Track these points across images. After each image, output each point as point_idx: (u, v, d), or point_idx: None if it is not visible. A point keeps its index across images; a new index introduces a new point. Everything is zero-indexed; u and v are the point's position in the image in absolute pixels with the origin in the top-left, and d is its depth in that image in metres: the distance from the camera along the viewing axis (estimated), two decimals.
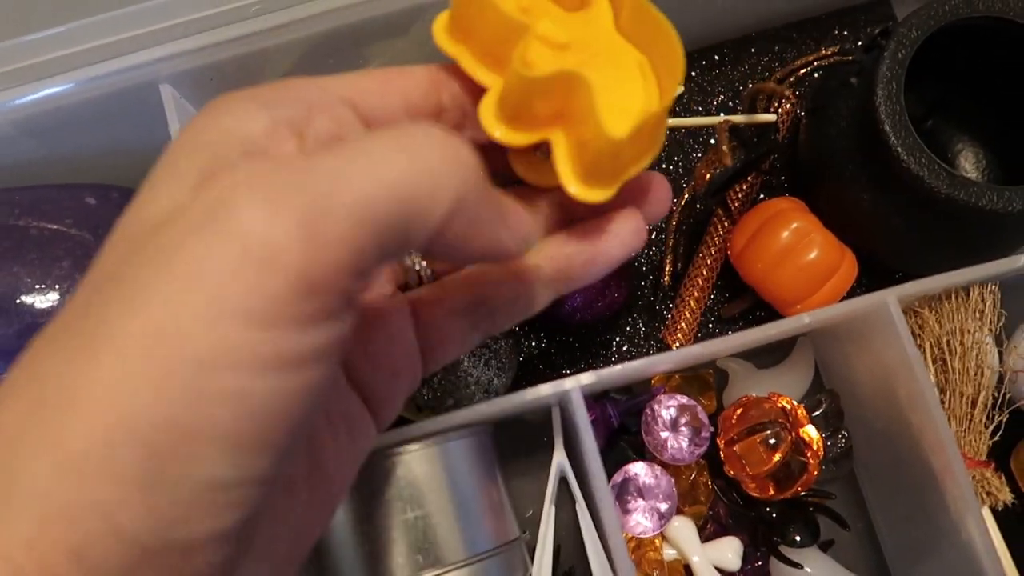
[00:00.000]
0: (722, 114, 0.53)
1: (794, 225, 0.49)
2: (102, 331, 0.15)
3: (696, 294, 0.53)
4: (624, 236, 0.24)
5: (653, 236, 0.56)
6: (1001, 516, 0.43)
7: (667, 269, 0.53)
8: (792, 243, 0.49)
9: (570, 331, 0.55)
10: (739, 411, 0.47)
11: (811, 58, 0.56)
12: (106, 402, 0.14)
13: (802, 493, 0.47)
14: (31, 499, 0.14)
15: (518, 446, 0.53)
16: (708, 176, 0.49)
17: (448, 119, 0.23)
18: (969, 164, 0.55)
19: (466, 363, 0.47)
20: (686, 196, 0.52)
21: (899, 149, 0.44)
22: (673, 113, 0.57)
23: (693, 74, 0.58)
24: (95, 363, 0.15)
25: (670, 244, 0.52)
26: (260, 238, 0.15)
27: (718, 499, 0.50)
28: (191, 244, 0.15)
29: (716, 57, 0.59)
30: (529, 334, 0.54)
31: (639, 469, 0.47)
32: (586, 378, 0.42)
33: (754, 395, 0.48)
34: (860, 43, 0.57)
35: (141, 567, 0.15)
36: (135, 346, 0.15)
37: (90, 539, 0.14)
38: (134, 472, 0.14)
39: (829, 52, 0.57)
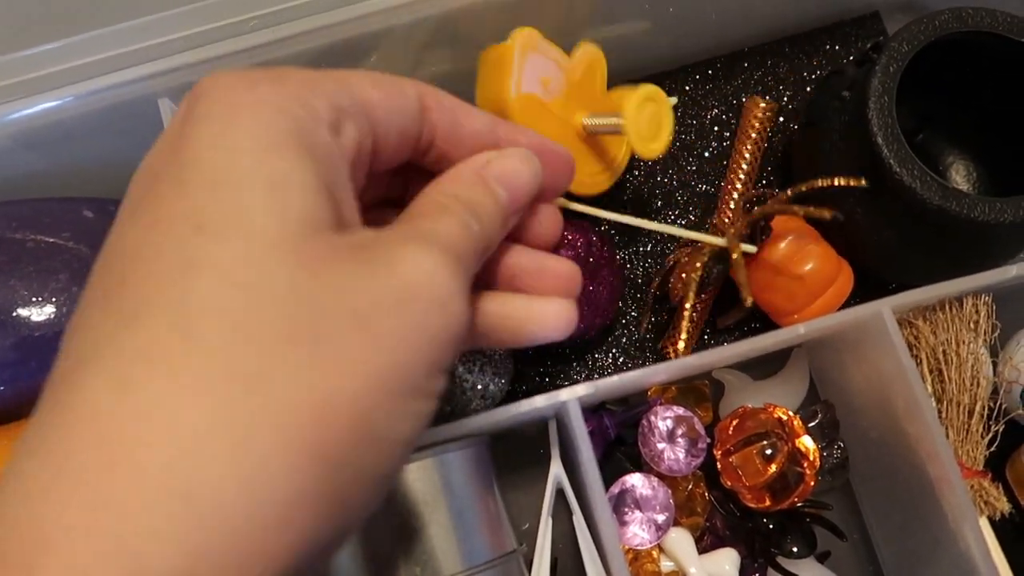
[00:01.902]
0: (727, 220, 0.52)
1: (792, 236, 0.50)
2: None
3: (698, 306, 0.54)
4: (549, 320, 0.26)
5: (650, 248, 0.56)
6: (999, 526, 0.43)
7: (644, 324, 0.53)
8: (790, 253, 0.49)
9: (564, 343, 0.55)
10: (735, 422, 0.47)
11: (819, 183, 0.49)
12: None
13: (799, 504, 0.47)
14: None
15: (515, 459, 0.53)
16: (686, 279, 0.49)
17: (425, 137, 0.25)
18: (960, 177, 0.56)
19: (461, 369, 0.48)
20: (670, 262, 0.51)
21: (892, 161, 0.44)
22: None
23: (687, 88, 0.59)
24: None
25: (649, 301, 0.52)
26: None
27: (715, 510, 0.50)
28: None
29: (709, 71, 0.59)
30: (526, 348, 0.55)
31: (636, 480, 0.47)
32: (582, 389, 0.42)
33: (750, 406, 0.48)
34: (852, 57, 0.58)
35: None
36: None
37: None
38: None
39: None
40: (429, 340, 0.19)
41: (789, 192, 0.47)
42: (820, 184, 0.46)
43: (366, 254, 0.19)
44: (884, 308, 0.42)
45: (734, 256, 0.46)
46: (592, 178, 0.48)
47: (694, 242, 0.52)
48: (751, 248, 0.47)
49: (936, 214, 0.44)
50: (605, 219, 0.46)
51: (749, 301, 0.44)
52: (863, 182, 0.45)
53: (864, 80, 0.46)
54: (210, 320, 0.16)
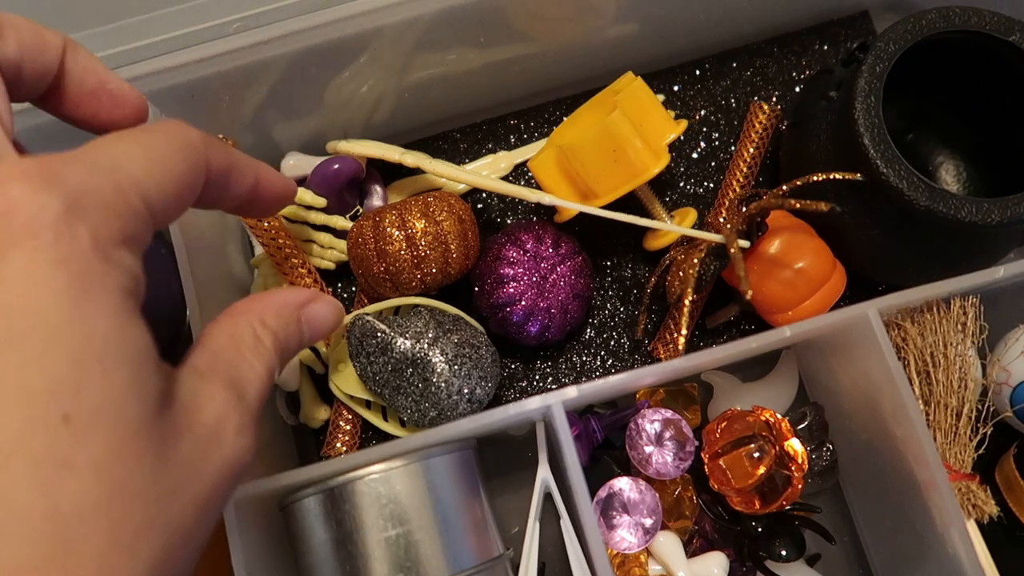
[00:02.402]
0: (723, 220, 0.51)
1: (787, 233, 0.50)
2: None
3: (689, 308, 0.53)
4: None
5: (641, 255, 0.56)
6: (987, 529, 0.43)
7: (639, 327, 0.53)
8: (786, 248, 0.49)
9: (551, 347, 0.55)
10: (723, 425, 0.47)
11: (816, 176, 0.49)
12: None
13: (787, 507, 0.47)
14: None
15: (503, 463, 0.53)
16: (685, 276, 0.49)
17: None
18: (950, 177, 0.56)
19: (448, 373, 0.47)
20: (665, 262, 0.51)
21: (879, 162, 0.44)
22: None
23: (676, 88, 0.59)
24: None
25: (646, 302, 0.52)
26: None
27: (704, 514, 0.49)
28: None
29: (697, 72, 0.59)
30: (514, 351, 0.54)
31: (624, 484, 0.47)
32: (569, 393, 0.42)
33: (738, 408, 0.47)
34: (839, 57, 0.58)
35: None
36: None
37: None
38: None
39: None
40: (224, 491, 0.21)
41: (785, 187, 0.47)
42: (816, 179, 0.46)
43: (194, 423, 0.20)
44: (871, 310, 0.41)
45: (732, 250, 0.46)
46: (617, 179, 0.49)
47: (688, 241, 0.51)
48: (746, 243, 0.48)
49: (923, 215, 0.43)
50: (608, 219, 0.47)
51: (749, 294, 0.44)
52: (859, 176, 0.44)
53: (851, 80, 0.46)
54: (83, 528, 0.17)
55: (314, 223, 0.54)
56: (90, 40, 0.46)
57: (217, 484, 0.21)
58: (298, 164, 0.55)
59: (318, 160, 0.55)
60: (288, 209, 0.53)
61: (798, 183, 0.47)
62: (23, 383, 0.16)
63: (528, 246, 0.51)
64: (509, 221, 0.57)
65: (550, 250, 0.51)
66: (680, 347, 0.51)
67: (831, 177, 0.46)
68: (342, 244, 0.54)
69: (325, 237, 0.54)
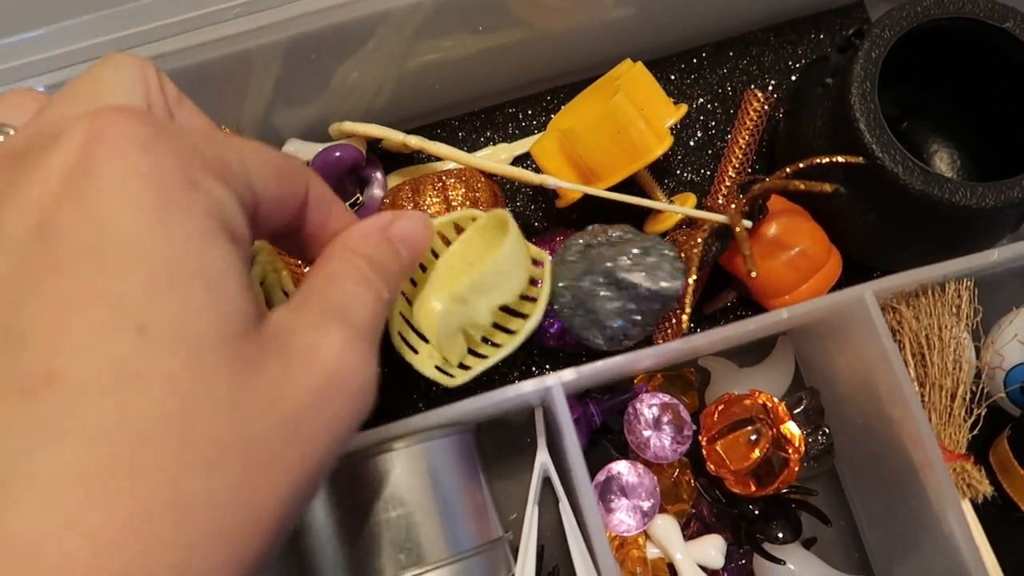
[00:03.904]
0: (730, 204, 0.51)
1: (785, 217, 0.50)
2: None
3: (692, 286, 0.54)
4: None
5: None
6: (982, 509, 0.43)
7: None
8: (782, 234, 0.49)
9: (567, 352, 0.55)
10: (720, 408, 0.47)
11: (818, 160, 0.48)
12: None
13: (784, 490, 0.47)
14: None
15: (503, 448, 0.53)
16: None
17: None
18: (944, 164, 0.56)
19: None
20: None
21: (874, 146, 0.44)
22: None
23: (672, 78, 0.59)
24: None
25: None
26: None
27: (701, 497, 0.50)
28: None
29: (695, 60, 0.59)
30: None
31: (622, 468, 0.47)
32: (567, 375, 0.42)
33: (735, 393, 0.48)
34: (836, 44, 0.58)
35: None
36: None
37: None
38: None
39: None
40: (347, 429, 0.20)
41: (788, 169, 0.47)
42: (820, 161, 0.46)
43: (286, 347, 0.19)
44: (867, 292, 0.42)
45: (737, 229, 0.46)
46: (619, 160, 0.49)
47: (689, 225, 0.52)
48: (748, 224, 0.48)
49: (918, 199, 0.44)
50: (612, 200, 0.47)
51: (755, 273, 0.45)
52: (861, 159, 0.44)
53: (847, 67, 0.46)
54: (152, 439, 0.16)
55: None
56: (84, 27, 0.46)
57: (313, 405, 0.19)
58: (298, 150, 0.55)
59: (318, 147, 0.56)
60: None
61: (800, 165, 0.47)
62: (99, 290, 0.16)
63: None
64: (509, 208, 0.57)
65: None
66: (684, 325, 0.51)
67: (834, 160, 0.46)
68: None
69: None
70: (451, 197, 0.48)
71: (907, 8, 0.46)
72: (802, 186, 0.46)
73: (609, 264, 0.45)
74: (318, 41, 0.48)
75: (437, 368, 0.47)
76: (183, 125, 0.21)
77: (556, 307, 0.47)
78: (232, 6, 0.47)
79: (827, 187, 0.44)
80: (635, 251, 0.45)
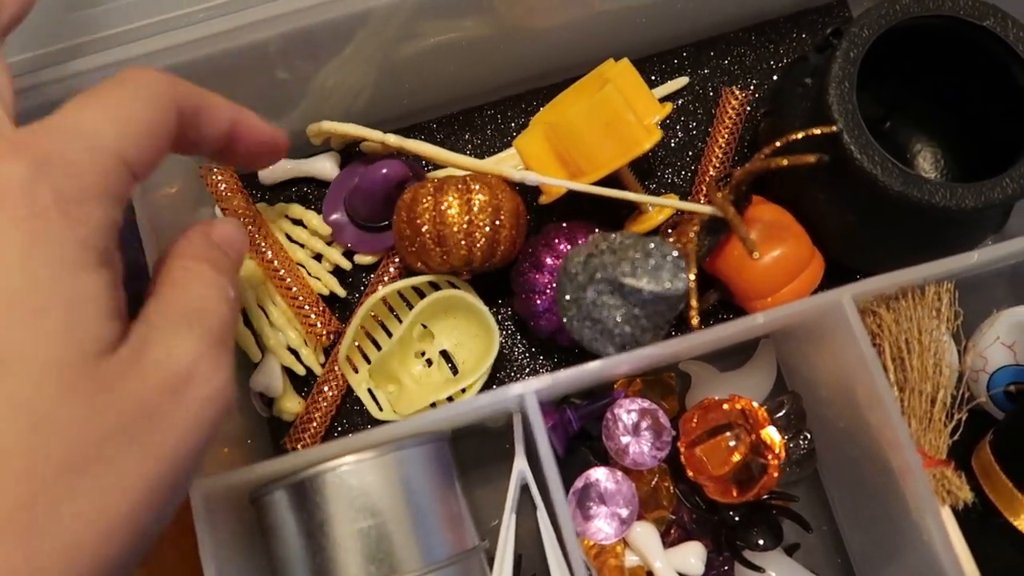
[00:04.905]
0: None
1: (767, 218, 0.49)
2: None
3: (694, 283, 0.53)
4: None
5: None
6: (964, 517, 0.42)
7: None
8: (764, 236, 0.48)
9: (537, 338, 0.54)
10: (699, 413, 0.46)
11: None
12: None
13: (764, 496, 0.47)
14: None
15: (481, 455, 0.52)
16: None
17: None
18: (928, 164, 0.56)
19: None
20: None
21: (853, 147, 0.44)
22: None
23: (653, 78, 0.58)
24: None
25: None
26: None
27: (681, 504, 0.49)
28: None
29: (675, 61, 0.59)
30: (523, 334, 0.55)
31: (600, 475, 0.47)
32: (540, 382, 0.41)
33: (715, 398, 0.47)
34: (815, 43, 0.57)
35: None
36: None
37: None
38: None
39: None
40: (202, 433, 0.21)
41: (766, 151, 0.47)
42: (795, 137, 0.45)
43: (143, 359, 0.20)
44: (844, 296, 0.41)
45: (729, 214, 0.46)
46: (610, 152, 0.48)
47: (674, 226, 0.51)
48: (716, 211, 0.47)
49: (897, 200, 0.43)
50: (596, 195, 0.46)
51: (756, 254, 0.44)
52: (834, 128, 0.43)
53: (825, 66, 0.46)
54: (4, 460, 0.17)
55: (311, 249, 0.54)
56: (49, 30, 0.45)
57: (166, 414, 0.20)
58: (274, 169, 0.55)
59: (292, 163, 0.55)
60: (288, 227, 0.53)
61: (777, 144, 0.46)
62: None
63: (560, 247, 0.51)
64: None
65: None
66: (695, 323, 0.50)
67: (810, 134, 0.45)
68: (330, 279, 0.54)
69: (315, 266, 0.54)
70: (473, 201, 0.47)
71: (886, 6, 0.46)
72: (784, 161, 0.45)
73: (611, 272, 0.45)
74: (296, 43, 0.47)
75: (369, 392, 0.53)
76: (36, 131, 0.21)
77: (564, 320, 0.47)
78: (200, 9, 0.46)
79: (810, 158, 0.44)
80: (637, 255, 0.45)
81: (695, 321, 0.44)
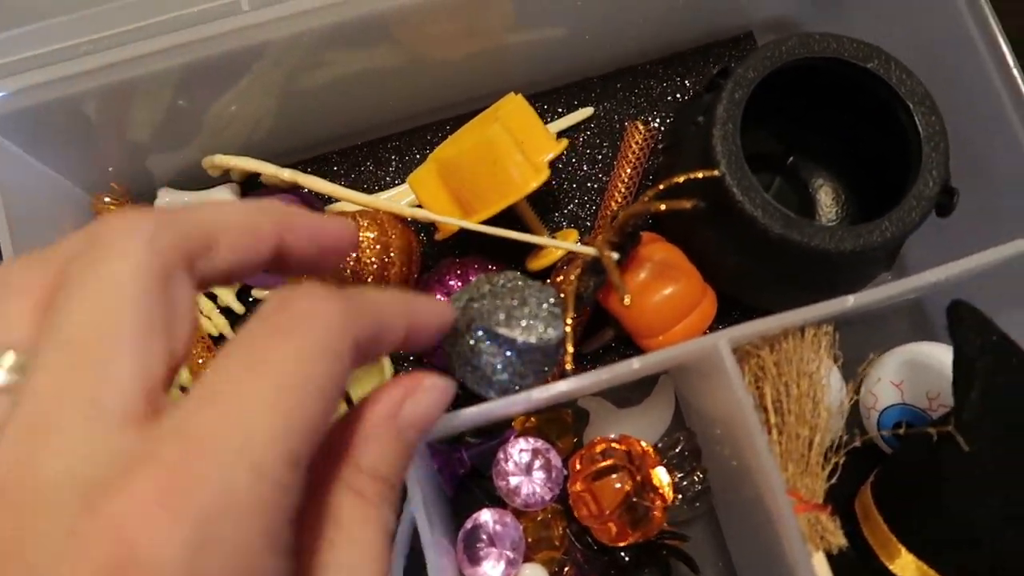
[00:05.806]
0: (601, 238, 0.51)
1: (659, 257, 0.49)
2: None
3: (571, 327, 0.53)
4: None
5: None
6: (840, 560, 0.42)
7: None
8: (655, 275, 0.49)
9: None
10: (585, 454, 0.46)
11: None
12: None
13: (654, 536, 0.46)
14: None
15: None
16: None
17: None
18: (829, 200, 0.56)
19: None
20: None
21: (735, 189, 0.44)
22: None
23: (560, 111, 0.58)
24: None
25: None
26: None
27: (574, 545, 0.49)
28: None
29: (583, 93, 0.58)
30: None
31: (487, 516, 0.46)
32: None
33: (602, 437, 0.47)
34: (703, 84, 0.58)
35: None
36: None
37: None
38: None
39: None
40: None
41: (650, 193, 0.47)
42: (677, 180, 0.45)
43: None
44: (720, 341, 0.41)
45: (603, 258, 0.45)
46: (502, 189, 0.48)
47: (569, 264, 0.51)
48: (615, 255, 0.47)
49: (778, 242, 0.43)
50: (489, 237, 0.46)
51: (627, 299, 0.44)
52: (716, 173, 0.44)
53: (711, 107, 0.46)
54: None
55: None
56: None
57: None
58: (173, 202, 0.54)
59: (189, 195, 0.54)
60: None
61: (661, 187, 0.46)
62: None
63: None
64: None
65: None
66: (568, 366, 0.50)
67: (691, 177, 0.45)
68: (219, 319, 0.53)
69: (207, 305, 0.53)
70: (360, 238, 0.47)
71: (772, 48, 0.46)
72: (663, 206, 0.45)
73: (487, 320, 0.44)
74: (193, 75, 0.46)
75: None
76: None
77: (449, 363, 0.47)
78: (81, 43, 0.45)
79: (686, 203, 0.44)
80: (513, 303, 0.44)
81: (569, 367, 0.44)
